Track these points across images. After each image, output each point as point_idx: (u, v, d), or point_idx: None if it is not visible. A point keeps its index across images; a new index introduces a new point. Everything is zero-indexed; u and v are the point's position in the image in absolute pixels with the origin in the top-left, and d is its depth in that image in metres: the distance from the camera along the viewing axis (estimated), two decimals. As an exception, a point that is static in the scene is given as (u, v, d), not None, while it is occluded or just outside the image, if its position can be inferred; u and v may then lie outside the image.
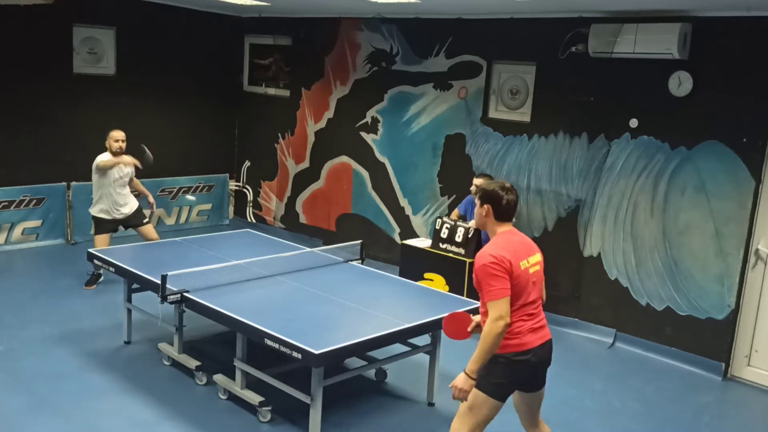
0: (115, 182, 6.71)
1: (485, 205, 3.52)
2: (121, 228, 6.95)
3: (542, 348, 3.53)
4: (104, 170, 6.63)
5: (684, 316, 6.02)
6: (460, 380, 3.37)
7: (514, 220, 3.64)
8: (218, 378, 4.84)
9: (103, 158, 6.66)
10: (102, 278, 6.94)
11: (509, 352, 3.43)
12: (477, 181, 6.68)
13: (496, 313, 3.30)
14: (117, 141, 6.68)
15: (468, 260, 6.18)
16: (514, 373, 3.48)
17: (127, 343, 5.63)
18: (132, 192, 6.98)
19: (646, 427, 4.91)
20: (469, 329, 3.65)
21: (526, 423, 3.80)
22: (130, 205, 6.88)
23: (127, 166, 6.76)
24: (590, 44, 6.09)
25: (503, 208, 3.51)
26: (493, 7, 6.62)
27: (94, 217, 6.84)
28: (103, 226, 6.77)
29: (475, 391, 3.42)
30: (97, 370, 5.13)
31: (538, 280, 3.56)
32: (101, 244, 6.57)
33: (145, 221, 6.94)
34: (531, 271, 3.49)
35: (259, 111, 9.61)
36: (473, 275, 3.45)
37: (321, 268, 5.58)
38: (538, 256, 3.59)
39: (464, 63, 7.32)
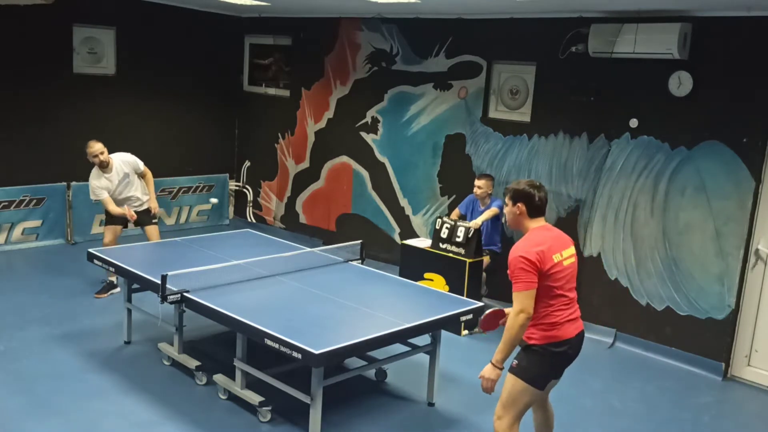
0: (116, 194, 6.50)
1: (519, 204, 3.63)
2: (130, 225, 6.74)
3: (578, 338, 3.66)
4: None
5: (684, 316, 6.02)
6: (487, 370, 3.51)
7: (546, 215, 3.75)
8: (218, 378, 4.84)
9: (97, 186, 6.40)
10: (118, 288, 6.58)
11: (548, 342, 3.55)
12: (479, 182, 6.67)
13: (519, 306, 3.44)
14: (96, 156, 6.34)
15: (468, 260, 6.19)
16: (553, 363, 3.61)
17: (127, 343, 5.63)
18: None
19: (646, 427, 4.91)
20: (501, 322, 3.76)
21: (537, 404, 3.90)
22: (142, 202, 6.69)
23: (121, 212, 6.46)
24: (590, 44, 6.09)
25: (535, 205, 3.62)
26: (493, 7, 6.62)
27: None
28: (114, 217, 6.53)
29: (515, 380, 3.57)
30: (97, 370, 5.13)
31: (572, 273, 3.67)
32: (110, 237, 6.47)
33: (154, 221, 6.74)
34: (565, 263, 3.59)
35: (259, 111, 9.60)
36: (508, 265, 3.54)
37: (321, 268, 5.57)
38: (571, 249, 3.69)
39: (464, 63, 7.31)
